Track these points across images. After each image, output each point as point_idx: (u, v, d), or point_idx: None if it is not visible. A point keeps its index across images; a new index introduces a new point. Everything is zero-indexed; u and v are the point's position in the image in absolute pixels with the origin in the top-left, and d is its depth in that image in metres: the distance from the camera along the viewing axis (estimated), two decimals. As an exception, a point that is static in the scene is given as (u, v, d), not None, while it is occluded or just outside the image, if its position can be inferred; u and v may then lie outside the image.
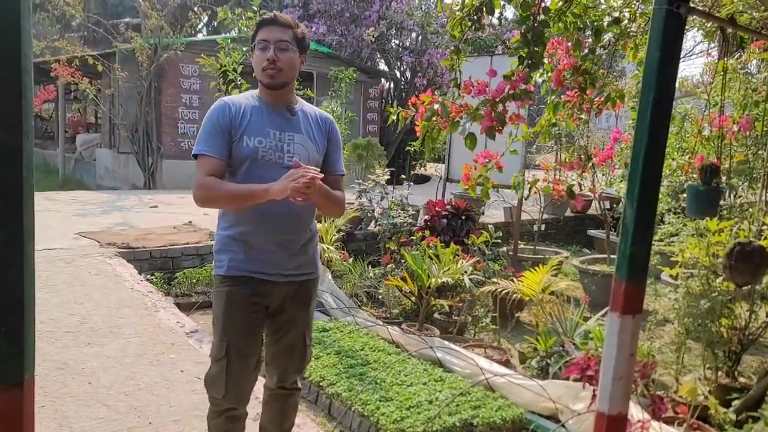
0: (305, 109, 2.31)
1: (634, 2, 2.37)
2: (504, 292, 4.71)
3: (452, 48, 2.35)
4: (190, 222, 6.66)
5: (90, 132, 16.01)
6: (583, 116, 2.58)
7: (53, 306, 4.10)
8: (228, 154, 2.12)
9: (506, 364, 4.31)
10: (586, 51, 2.46)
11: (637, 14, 2.44)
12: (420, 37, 15.38)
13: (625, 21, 2.37)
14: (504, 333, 4.84)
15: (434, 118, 2.18)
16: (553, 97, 2.63)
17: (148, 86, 11.11)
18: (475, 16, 2.30)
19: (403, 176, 8.07)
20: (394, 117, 2.52)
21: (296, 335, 2.33)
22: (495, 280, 5.15)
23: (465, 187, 2.52)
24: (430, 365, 3.97)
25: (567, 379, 3.22)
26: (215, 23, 21.01)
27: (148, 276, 5.28)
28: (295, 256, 2.24)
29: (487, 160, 2.47)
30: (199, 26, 18.97)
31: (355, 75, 7.96)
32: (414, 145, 7.66)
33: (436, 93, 2.56)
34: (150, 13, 10.92)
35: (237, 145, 2.14)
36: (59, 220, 6.85)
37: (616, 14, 2.35)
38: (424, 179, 13.38)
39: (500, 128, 2.18)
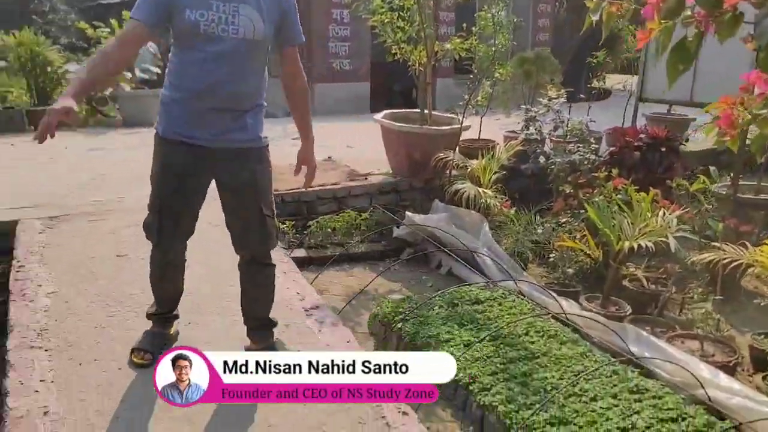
0: None
1: None
2: (731, 262, 3.36)
3: None
4: (330, 157, 5.89)
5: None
6: None
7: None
8: (158, 21, 2.11)
9: (734, 369, 3.07)
10: None
11: None
12: None
13: None
14: (727, 311, 3.53)
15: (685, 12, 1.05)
16: None
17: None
18: None
19: (581, 95, 6.58)
20: (595, 17, 1.38)
21: (249, 207, 2.33)
22: (713, 241, 3.80)
23: (722, 138, 1.34)
24: (621, 366, 2.89)
25: None
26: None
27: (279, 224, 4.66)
28: (232, 123, 2.23)
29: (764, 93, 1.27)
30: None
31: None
32: (598, 57, 6.14)
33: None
34: None
35: (179, 18, 2.08)
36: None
37: None
38: (603, 94, 11.40)
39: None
